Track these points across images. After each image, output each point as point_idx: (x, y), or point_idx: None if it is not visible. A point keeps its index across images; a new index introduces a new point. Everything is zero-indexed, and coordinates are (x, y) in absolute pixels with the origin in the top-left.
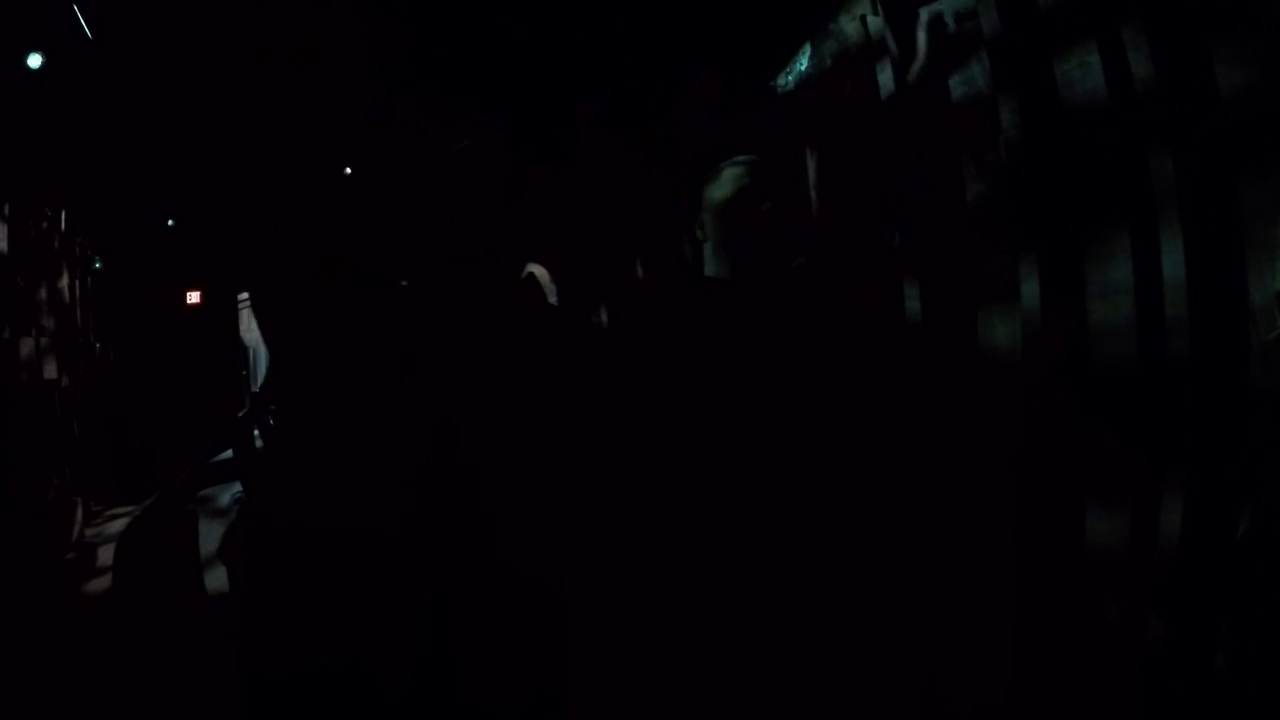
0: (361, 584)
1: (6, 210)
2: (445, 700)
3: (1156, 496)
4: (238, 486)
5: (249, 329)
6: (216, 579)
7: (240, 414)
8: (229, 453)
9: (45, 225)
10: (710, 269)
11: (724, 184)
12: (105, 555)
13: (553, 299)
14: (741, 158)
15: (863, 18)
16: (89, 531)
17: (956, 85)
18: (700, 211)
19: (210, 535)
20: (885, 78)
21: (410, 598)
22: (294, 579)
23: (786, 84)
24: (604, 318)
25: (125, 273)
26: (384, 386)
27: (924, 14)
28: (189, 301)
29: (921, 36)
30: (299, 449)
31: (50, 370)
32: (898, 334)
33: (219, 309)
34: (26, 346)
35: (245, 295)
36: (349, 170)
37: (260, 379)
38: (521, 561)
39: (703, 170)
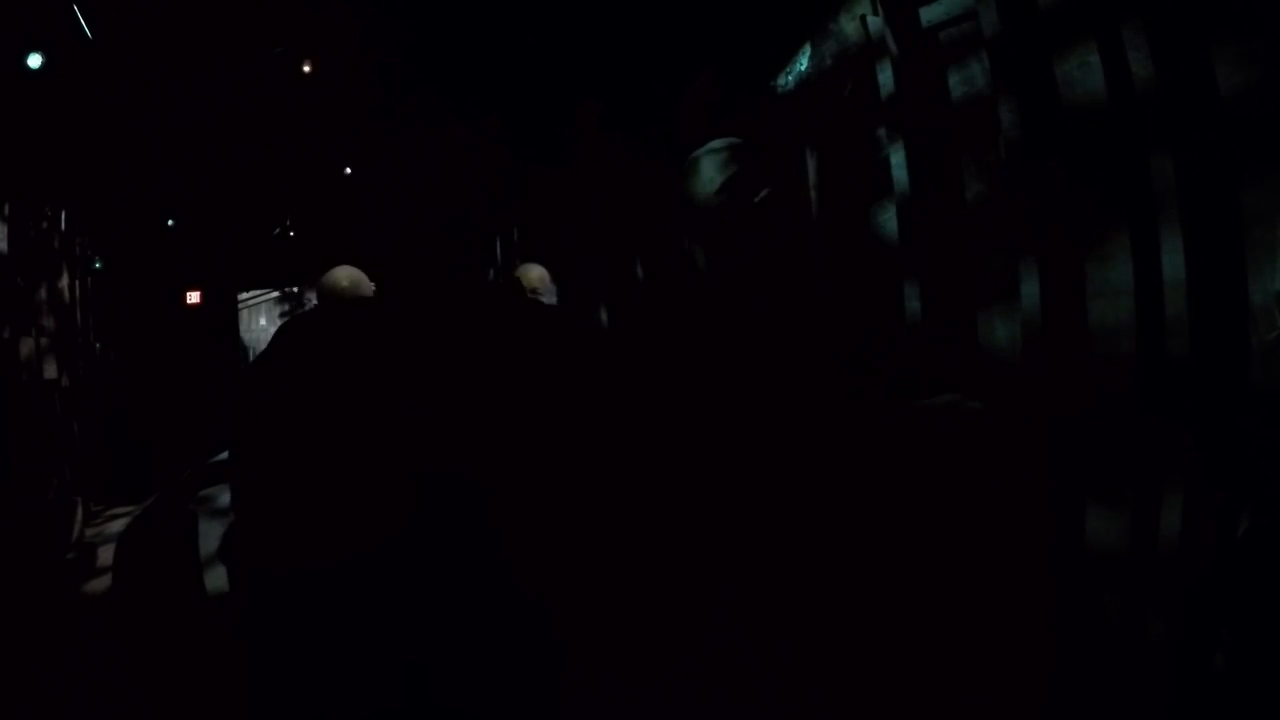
0: (353, 619)
1: (6, 210)
2: None
3: (1156, 496)
4: None
5: (249, 329)
6: (216, 579)
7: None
8: (229, 453)
9: (45, 225)
10: (699, 267)
11: (704, 175)
12: (105, 555)
13: (553, 299)
14: (717, 143)
15: (863, 18)
16: (89, 531)
17: (956, 85)
18: (681, 210)
19: (210, 535)
20: (885, 78)
21: (401, 635)
22: (294, 619)
23: (786, 84)
24: (604, 318)
25: (125, 273)
26: (379, 401)
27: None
28: (189, 301)
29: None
30: (289, 476)
31: (50, 370)
32: (898, 334)
33: (219, 309)
34: (26, 346)
35: (245, 295)
36: (349, 171)
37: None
38: (520, 583)
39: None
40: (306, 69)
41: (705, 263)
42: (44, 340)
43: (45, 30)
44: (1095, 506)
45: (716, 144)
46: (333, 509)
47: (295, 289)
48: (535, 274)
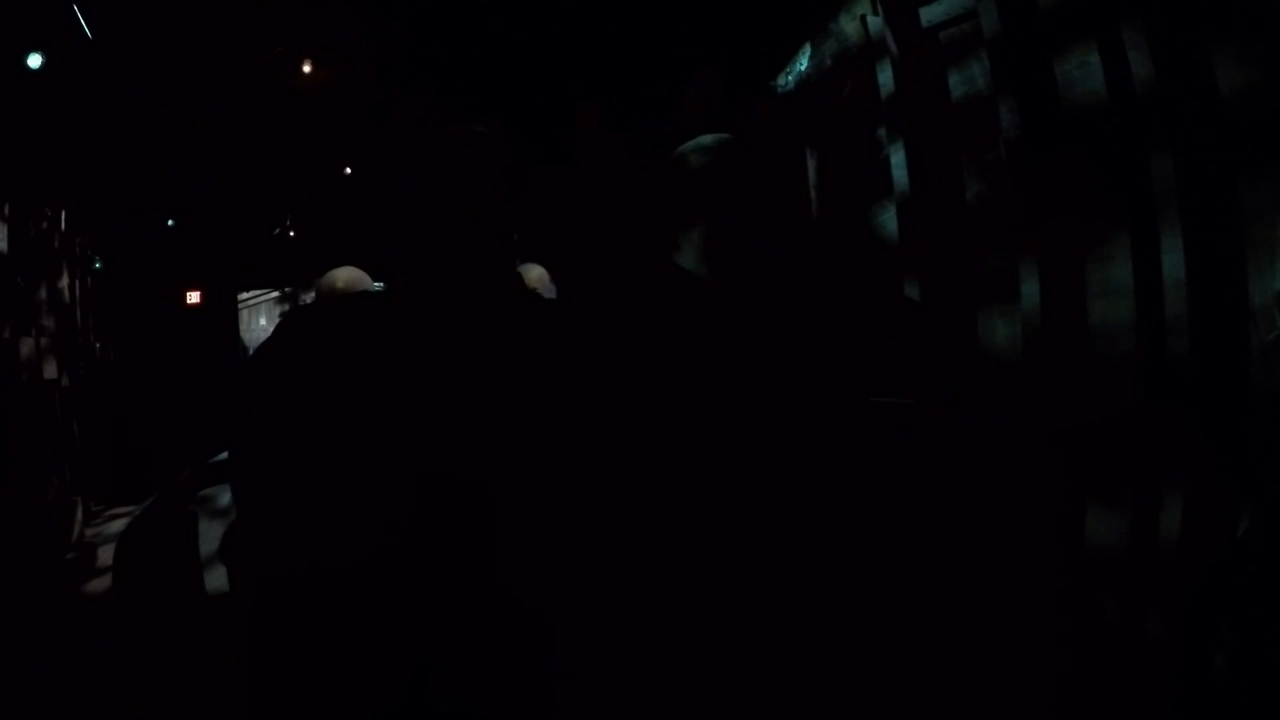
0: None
1: (6, 210)
2: None
3: (1157, 496)
4: None
5: (249, 329)
6: (216, 579)
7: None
8: (229, 450)
9: (45, 225)
10: (690, 268)
11: (690, 171)
12: (105, 555)
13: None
14: (706, 139)
15: (863, 18)
16: (89, 531)
17: (956, 85)
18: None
19: (210, 535)
20: (885, 78)
21: (398, 641)
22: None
23: (786, 84)
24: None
25: (125, 273)
26: (382, 397)
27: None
28: (189, 301)
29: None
30: (290, 473)
31: (50, 370)
32: (897, 334)
33: (219, 309)
34: (26, 346)
35: (245, 295)
36: (349, 170)
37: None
38: (522, 582)
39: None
40: (306, 69)
41: (695, 261)
42: (44, 340)
43: (45, 30)
44: (1096, 506)
45: (705, 140)
46: (334, 507)
47: (295, 289)
48: (535, 274)
